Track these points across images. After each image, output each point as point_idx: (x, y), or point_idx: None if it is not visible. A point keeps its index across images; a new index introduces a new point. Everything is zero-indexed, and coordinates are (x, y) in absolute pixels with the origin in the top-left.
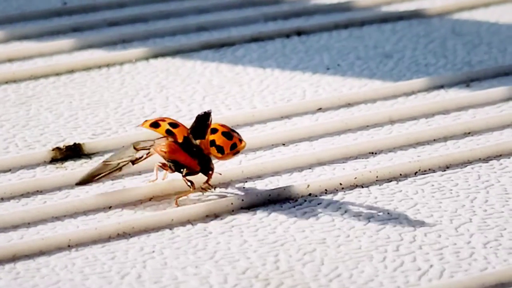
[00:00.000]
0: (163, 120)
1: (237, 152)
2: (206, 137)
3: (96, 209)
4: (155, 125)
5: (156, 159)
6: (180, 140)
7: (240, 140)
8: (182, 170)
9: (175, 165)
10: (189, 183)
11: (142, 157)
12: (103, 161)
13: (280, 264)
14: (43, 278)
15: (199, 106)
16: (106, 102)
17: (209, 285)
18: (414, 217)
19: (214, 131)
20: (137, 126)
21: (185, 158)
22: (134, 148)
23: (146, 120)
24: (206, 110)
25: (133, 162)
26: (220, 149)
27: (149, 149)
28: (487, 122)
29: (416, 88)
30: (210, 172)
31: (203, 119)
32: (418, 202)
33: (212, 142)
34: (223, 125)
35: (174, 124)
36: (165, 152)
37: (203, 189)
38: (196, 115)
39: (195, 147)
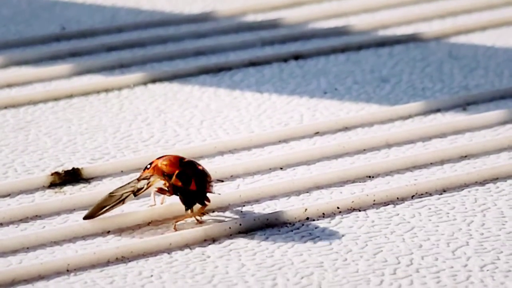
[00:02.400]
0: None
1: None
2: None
3: (95, 233)
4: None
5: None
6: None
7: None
8: (178, 193)
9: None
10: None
11: (143, 187)
12: (109, 194)
13: None
14: None
15: (197, 130)
16: (104, 127)
17: None
18: (411, 240)
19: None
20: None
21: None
22: (137, 179)
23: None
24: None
25: (135, 193)
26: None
27: (149, 178)
28: (484, 146)
29: (413, 112)
30: (207, 202)
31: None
32: (415, 226)
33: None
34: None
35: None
36: (167, 162)
37: (198, 218)
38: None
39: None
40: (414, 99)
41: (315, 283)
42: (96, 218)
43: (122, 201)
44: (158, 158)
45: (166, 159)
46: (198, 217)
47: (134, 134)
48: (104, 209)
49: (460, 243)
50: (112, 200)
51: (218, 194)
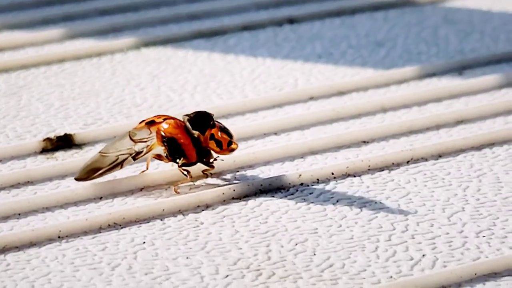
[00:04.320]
0: (158, 117)
1: (233, 150)
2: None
3: (87, 199)
4: (151, 123)
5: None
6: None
7: (231, 141)
8: (178, 160)
9: (172, 149)
10: (185, 172)
11: (142, 151)
12: (100, 152)
13: (272, 254)
14: (34, 269)
15: (190, 95)
16: (97, 92)
17: (200, 276)
18: (406, 206)
19: (212, 125)
20: (134, 129)
21: (185, 139)
22: (131, 139)
23: (141, 121)
24: (208, 112)
25: (134, 157)
26: (219, 144)
27: (147, 141)
28: (479, 110)
29: (408, 76)
30: (212, 162)
31: (205, 119)
32: (410, 191)
33: (212, 136)
34: (218, 122)
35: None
36: (169, 125)
37: (204, 174)
38: (195, 110)
39: (194, 138)
40: (409, 63)
41: (309, 250)
42: (89, 184)
43: (120, 164)
44: (159, 122)
45: (169, 124)
46: (207, 172)
47: (127, 99)
48: (100, 171)
49: (456, 209)
50: (107, 162)
51: (221, 160)
